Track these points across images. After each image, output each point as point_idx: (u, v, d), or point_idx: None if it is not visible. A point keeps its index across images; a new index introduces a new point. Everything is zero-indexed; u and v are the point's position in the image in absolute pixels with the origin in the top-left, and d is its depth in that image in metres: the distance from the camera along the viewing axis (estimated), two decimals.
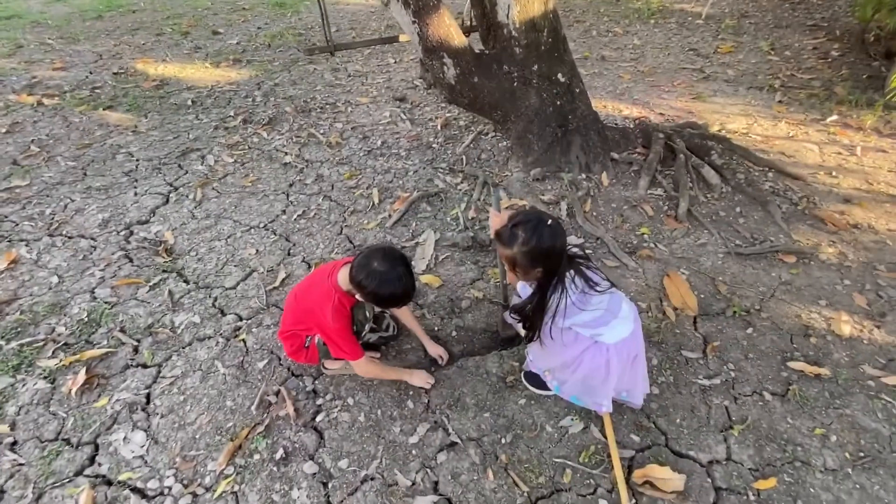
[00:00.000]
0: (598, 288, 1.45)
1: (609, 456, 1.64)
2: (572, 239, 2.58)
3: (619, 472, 1.57)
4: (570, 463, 1.63)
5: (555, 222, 1.37)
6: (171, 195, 3.06)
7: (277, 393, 1.86)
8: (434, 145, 3.49)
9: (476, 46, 3.11)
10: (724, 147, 3.14)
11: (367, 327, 1.78)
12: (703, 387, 1.88)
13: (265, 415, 1.79)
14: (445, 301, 2.24)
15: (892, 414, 1.78)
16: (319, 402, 1.83)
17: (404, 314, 1.93)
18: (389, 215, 2.82)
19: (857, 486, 1.58)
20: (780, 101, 4.15)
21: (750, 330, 2.10)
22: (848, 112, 3.92)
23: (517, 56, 2.90)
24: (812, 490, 1.57)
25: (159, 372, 1.97)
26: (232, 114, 4.03)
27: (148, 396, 1.88)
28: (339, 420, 1.77)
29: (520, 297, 1.62)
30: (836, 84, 4.42)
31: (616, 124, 3.59)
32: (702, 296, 2.25)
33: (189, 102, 4.23)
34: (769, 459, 1.65)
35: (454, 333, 2.11)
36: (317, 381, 1.90)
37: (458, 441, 1.69)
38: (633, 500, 1.54)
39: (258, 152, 3.51)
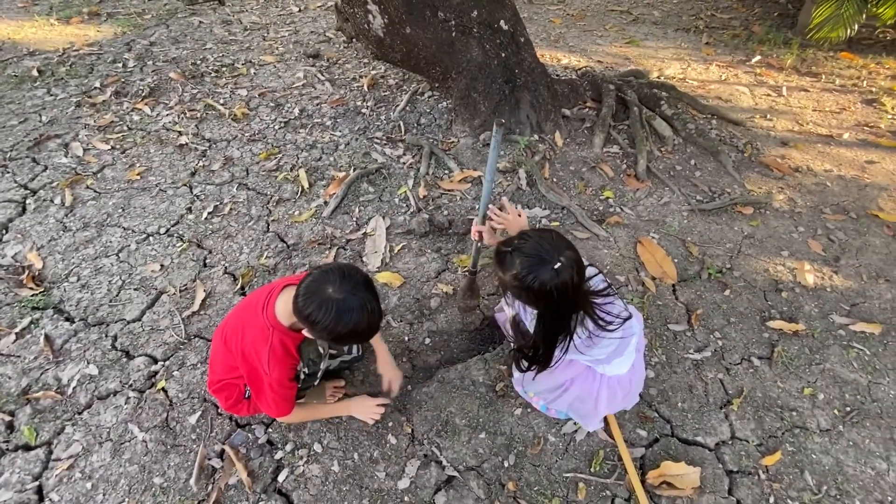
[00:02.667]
0: (610, 327, 1.24)
1: (621, 459, 1.50)
2: (536, 211, 2.35)
3: (635, 480, 1.44)
4: (581, 476, 1.47)
5: (565, 265, 1.11)
6: (27, 201, 2.35)
7: (222, 454, 1.48)
8: (364, 111, 3.02)
9: None
10: (671, 95, 3.02)
11: (323, 363, 1.43)
12: (695, 362, 1.79)
13: (210, 487, 1.41)
14: (411, 302, 1.93)
15: (865, 362, 1.82)
16: (279, 455, 1.48)
17: None
18: (325, 202, 2.38)
19: (851, 443, 1.59)
20: (707, 44, 4.14)
21: (727, 292, 2.04)
22: (768, 52, 4.01)
23: (453, 0, 2.48)
24: (814, 456, 1.55)
25: (50, 453, 1.48)
26: (98, 85, 3.19)
27: (40, 491, 1.41)
28: (307, 475, 1.44)
29: (518, 316, 1.36)
30: (752, 23, 4.49)
31: (558, 75, 3.33)
32: (675, 259, 2.16)
33: (35, 73, 3.28)
34: (770, 430, 1.61)
35: (428, 340, 1.82)
36: (270, 429, 1.54)
37: (456, 474, 1.45)
38: None
39: (142, 134, 2.81)
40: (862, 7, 3.33)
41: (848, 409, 1.68)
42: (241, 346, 1.30)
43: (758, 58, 3.89)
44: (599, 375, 1.38)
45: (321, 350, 1.41)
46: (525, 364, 1.32)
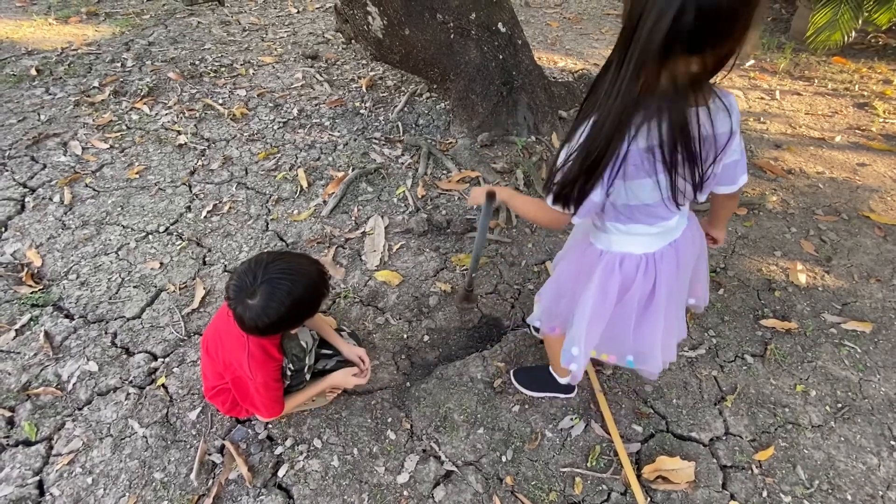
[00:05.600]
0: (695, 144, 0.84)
1: (617, 454, 1.52)
2: None
3: (630, 474, 1.46)
4: (578, 470, 1.49)
5: None
6: (26, 199, 2.35)
7: (222, 449, 1.49)
8: (362, 111, 3.04)
9: None
10: None
11: (308, 358, 1.44)
12: (690, 359, 1.82)
13: (210, 482, 1.42)
14: (410, 300, 1.95)
15: (857, 360, 1.86)
16: (279, 451, 1.50)
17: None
18: (324, 201, 2.40)
19: (843, 438, 1.62)
20: None
21: (721, 291, 2.07)
22: (762, 56, 4.06)
23: (451, 2, 2.51)
24: (806, 451, 1.58)
25: (50, 448, 1.49)
26: (96, 84, 3.20)
27: (40, 485, 1.41)
28: (307, 470, 1.46)
29: None
30: None
31: (555, 78, 3.37)
32: None
33: (33, 72, 3.29)
34: (763, 426, 1.64)
35: (426, 338, 1.84)
36: (270, 426, 1.55)
37: (455, 469, 1.47)
38: (648, 499, 1.44)
39: (141, 133, 2.82)
40: (857, 13, 3.38)
41: (839, 405, 1.71)
42: (223, 356, 1.33)
43: (751, 62, 3.94)
44: (619, 263, 1.09)
45: (304, 344, 1.42)
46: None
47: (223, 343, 1.32)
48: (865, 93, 3.61)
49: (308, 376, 1.52)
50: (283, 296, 1.15)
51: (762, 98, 3.50)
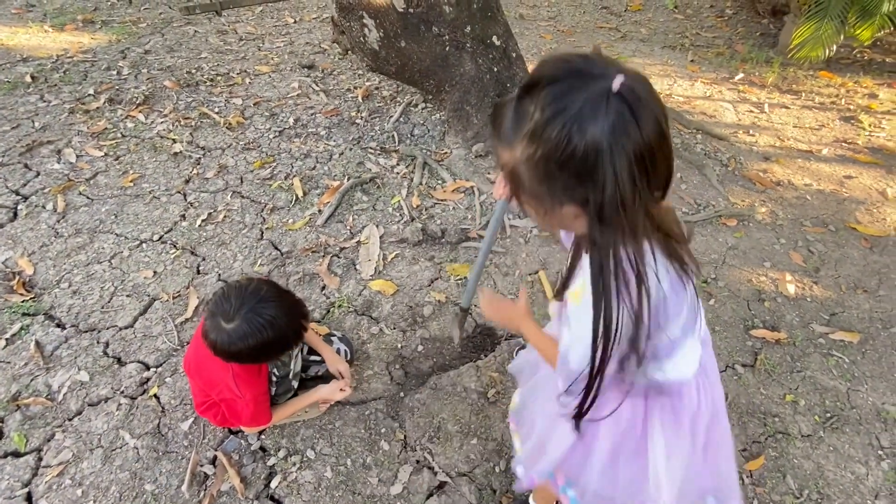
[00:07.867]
0: (691, 269, 0.72)
1: None
2: (528, 221, 2.40)
3: None
4: None
5: (630, 83, 0.56)
6: (19, 207, 2.34)
7: (214, 460, 1.48)
8: (358, 121, 3.06)
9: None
10: None
11: (294, 364, 1.45)
12: None
13: (202, 493, 1.41)
14: (404, 310, 1.96)
15: (844, 370, 1.88)
16: (271, 462, 1.49)
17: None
18: (319, 210, 2.41)
19: (831, 448, 1.64)
20: (692, 61, 4.27)
21: (712, 301, 2.10)
22: (751, 70, 4.14)
23: (447, 15, 2.55)
24: (795, 461, 1.60)
25: (40, 459, 1.47)
26: (91, 92, 3.20)
27: (29, 497, 1.39)
28: (300, 481, 1.45)
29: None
30: (736, 42, 4.64)
31: None
32: None
33: (28, 79, 3.28)
34: (753, 436, 1.65)
35: (420, 348, 1.84)
36: (263, 436, 1.55)
37: (448, 480, 1.47)
38: None
39: (136, 141, 2.82)
40: (840, 28, 3.47)
41: (828, 415, 1.74)
42: (208, 377, 1.33)
43: (741, 75, 4.02)
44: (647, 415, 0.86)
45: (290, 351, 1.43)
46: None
47: (205, 364, 1.32)
48: (851, 106, 3.69)
49: (295, 383, 1.52)
50: (249, 335, 1.16)
51: (751, 111, 3.57)
